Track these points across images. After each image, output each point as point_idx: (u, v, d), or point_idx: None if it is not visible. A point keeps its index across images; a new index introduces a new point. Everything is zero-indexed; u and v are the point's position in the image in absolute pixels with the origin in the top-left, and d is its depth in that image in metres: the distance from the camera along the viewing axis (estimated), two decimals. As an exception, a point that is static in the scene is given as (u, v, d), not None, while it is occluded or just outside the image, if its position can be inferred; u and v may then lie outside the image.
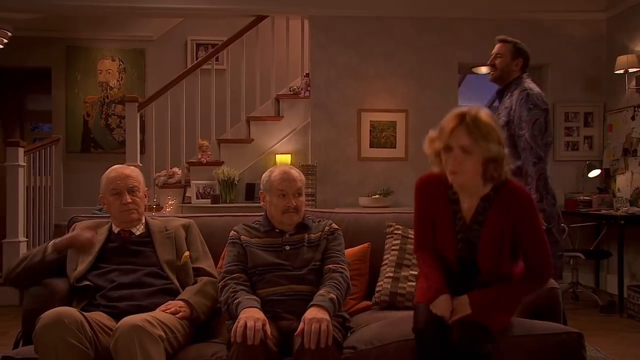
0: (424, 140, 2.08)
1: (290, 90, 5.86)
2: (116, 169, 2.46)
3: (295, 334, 2.01)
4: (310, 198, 5.37)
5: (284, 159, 5.57)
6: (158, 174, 5.66)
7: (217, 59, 5.86)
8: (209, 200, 5.39)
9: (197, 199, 5.42)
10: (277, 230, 2.41)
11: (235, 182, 5.42)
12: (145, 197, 2.54)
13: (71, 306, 2.13)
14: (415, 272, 2.44)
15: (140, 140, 5.69)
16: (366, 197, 5.35)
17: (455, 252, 2.08)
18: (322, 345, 1.93)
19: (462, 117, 1.94)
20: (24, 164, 5.36)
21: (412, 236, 2.42)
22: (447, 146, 1.96)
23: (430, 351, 1.97)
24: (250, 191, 5.50)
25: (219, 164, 5.51)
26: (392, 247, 2.62)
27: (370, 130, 5.57)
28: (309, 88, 5.65)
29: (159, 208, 5.35)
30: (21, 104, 7.92)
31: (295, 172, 2.44)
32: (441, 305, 1.99)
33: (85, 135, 6.63)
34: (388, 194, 5.34)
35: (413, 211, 2.43)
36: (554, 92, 5.77)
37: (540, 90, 3.22)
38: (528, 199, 2.02)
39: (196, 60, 6.23)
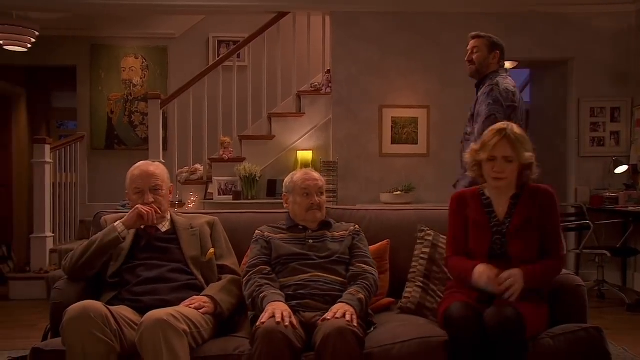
0: (468, 150, 2.41)
1: (311, 87, 5.87)
2: (140, 166, 2.49)
3: (320, 320, 2.07)
4: (331, 194, 5.38)
5: (305, 155, 5.59)
6: (180, 170, 5.72)
7: (238, 56, 5.89)
8: (231, 196, 5.43)
9: (218, 195, 5.47)
10: (300, 227, 2.51)
11: (257, 178, 5.45)
12: (170, 193, 2.58)
13: (99, 300, 2.17)
14: (442, 293, 2.45)
15: (163, 137, 5.76)
16: (387, 193, 5.34)
17: (489, 244, 2.26)
18: (347, 318, 2.01)
19: (502, 131, 2.28)
20: (50, 161, 5.47)
21: (442, 244, 2.59)
22: (492, 157, 2.28)
23: (464, 344, 2.00)
24: (272, 188, 5.53)
25: (240, 160, 5.55)
26: (421, 256, 2.58)
27: (392, 126, 5.55)
28: (330, 84, 5.65)
29: (181, 204, 5.40)
30: (48, 102, 8.06)
31: (316, 174, 2.59)
32: (484, 270, 2.13)
33: (109, 132, 6.73)
34: (410, 190, 5.33)
35: (435, 208, 2.81)
36: (580, 87, 5.69)
37: (512, 87, 3.22)
38: (551, 193, 2.33)
39: (218, 57, 6.27)
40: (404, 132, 5.55)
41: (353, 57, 5.58)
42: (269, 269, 2.35)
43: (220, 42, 6.79)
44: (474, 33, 3.43)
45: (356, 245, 2.46)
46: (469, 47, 3.40)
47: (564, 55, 5.71)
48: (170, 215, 2.54)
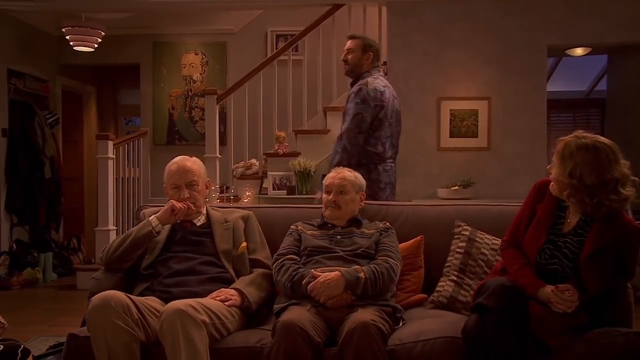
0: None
1: (367, 80, 5.87)
2: (177, 162, 2.61)
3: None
4: (386, 190, 5.38)
5: (360, 149, 5.61)
6: (236, 165, 5.90)
7: (296, 50, 5.99)
8: (285, 191, 5.55)
9: (273, 190, 5.59)
10: (329, 225, 2.62)
11: (312, 173, 5.53)
12: (207, 188, 2.70)
13: (133, 290, 2.33)
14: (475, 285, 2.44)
15: (221, 132, 5.97)
16: (445, 188, 5.28)
17: (537, 250, 2.17)
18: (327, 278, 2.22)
19: (567, 141, 2.14)
20: (113, 157, 5.80)
21: (479, 239, 2.59)
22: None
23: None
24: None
25: (295, 155, 5.64)
26: (457, 250, 2.60)
27: (450, 119, 5.48)
28: (386, 77, 5.63)
29: (236, 199, 5.58)
30: (116, 99, 8.55)
31: (348, 173, 2.68)
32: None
33: (170, 127, 7.04)
34: (468, 185, 5.24)
35: (474, 204, 2.83)
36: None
37: (381, 87, 3.51)
38: (635, 231, 2.10)
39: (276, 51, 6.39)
40: (463, 125, 5.46)
41: (410, 49, 5.53)
42: (297, 259, 2.46)
43: (278, 36, 6.93)
44: (349, 34, 3.75)
45: (381, 240, 2.51)
46: (344, 48, 3.67)
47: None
48: (207, 210, 2.66)
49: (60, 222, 6.80)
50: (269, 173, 5.67)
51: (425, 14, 5.50)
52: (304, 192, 5.50)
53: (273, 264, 2.47)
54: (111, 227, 5.74)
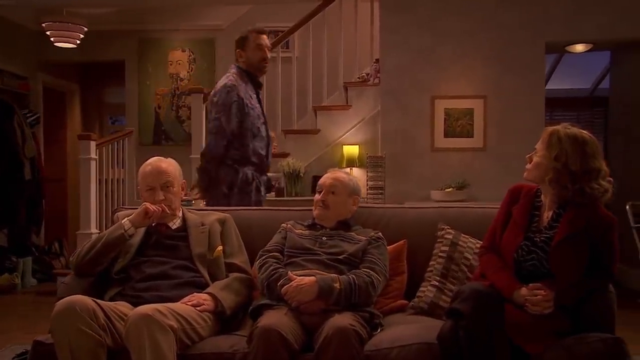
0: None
1: (358, 78, 5.92)
2: (152, 163, 2.65)
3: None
4: (378, 191, 5.44)
5: (351, 150, 5.66)
6: (223, 166, 5.94)
7: (287, 46, 6.03)
8: (274, 193, 5.58)
9: (261, 192, 5.63)
10: (318, 225, 2.67)
11: (301, 174, 5.58)
12: (183, 189, 2.74)
13: (104, 295, 2.37)
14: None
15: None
16: (439, 190, 5.32)
17: (515, 249, 2.24)
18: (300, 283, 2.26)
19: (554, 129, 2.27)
20: (96, 157, 5.83)
21: (463, 243, 2.66)
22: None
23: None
24: (317, 184, 5.63)
25: (284, 155, 5.69)
26: (440, 254, 2.65)
27: (445, 118, 5.51)
28: (378, 75, 5.68)
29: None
30: (100, 98, 8.60)
31: (341, 174, 2.77)
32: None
33: (156, 127, 7.10)
34: (463, 187, 5.28)
35: (458, 206, 2.94)
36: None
37: None
38: (609, 219, 2.21)
39: (265, 48, 6.43)
40: (457, 125, 5.50)
41: (403, 45, 5.55)
42: (280, 257, 2.52)
43: (268, 33, 6.94)
44: None
45: (369, 250, 2.52)
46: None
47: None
48: (182, 212, 2.70)
49: (42, 225, 6.83)
50: (256, 174, 5.70)
51: (419, 7, 5.51)
52: (293, 194, 5.54)
53: (257, 260, 2.52)
54: (94, 230, 5.77)
